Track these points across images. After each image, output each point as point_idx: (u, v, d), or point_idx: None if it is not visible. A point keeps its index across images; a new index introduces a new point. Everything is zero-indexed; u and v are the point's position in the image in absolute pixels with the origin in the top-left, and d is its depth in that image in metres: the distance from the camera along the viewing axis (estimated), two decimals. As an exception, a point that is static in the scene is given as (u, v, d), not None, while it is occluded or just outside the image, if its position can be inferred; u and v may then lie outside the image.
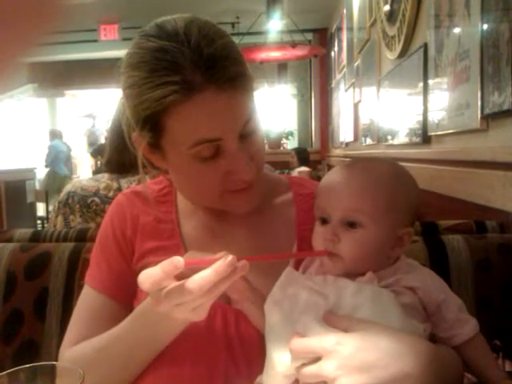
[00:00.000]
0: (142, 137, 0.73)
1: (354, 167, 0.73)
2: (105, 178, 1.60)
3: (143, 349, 0.74)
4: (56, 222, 1.56)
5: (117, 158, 1.50)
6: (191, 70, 0.65)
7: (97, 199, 1.54)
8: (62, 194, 1.59)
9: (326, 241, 0.68)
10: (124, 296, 0.82)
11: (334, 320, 0.62)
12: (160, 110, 0.67)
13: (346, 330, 0.60)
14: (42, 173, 8.11)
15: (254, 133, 0.74)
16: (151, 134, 0.72)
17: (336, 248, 0.67)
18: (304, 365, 0.60)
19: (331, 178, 0.74)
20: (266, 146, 7.52)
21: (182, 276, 0.60)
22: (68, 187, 1.61)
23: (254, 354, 0.71)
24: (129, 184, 1.52)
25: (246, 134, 0.72)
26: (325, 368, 0.57)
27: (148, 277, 0.60)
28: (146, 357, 0.74)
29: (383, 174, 0.71)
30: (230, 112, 0.69)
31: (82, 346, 0.78)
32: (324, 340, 0.59)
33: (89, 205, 1.53)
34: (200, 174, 0.73)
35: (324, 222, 0.70)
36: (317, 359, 0.59)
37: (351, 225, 0.67)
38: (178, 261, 0.59)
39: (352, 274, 0.67)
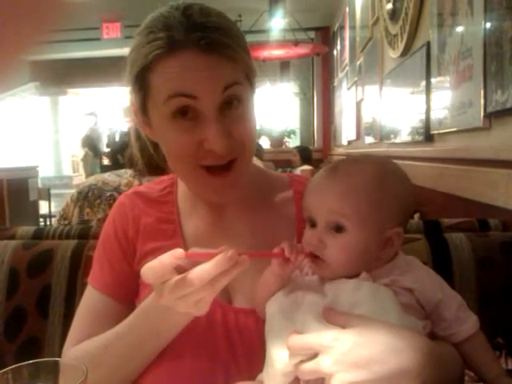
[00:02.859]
0: (135, 101, 0.77)
1: (337, 170, 0.71)
2: (127, 174, 1.59)
3: (146, 345, 0.74)
4: (73, 213, 1.55)
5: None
6: (178, 29, 0.70)
7: (116, 194, 1.53)
8: (83, 186, 1.58)
9: (312, 246, 0.68)
10: (126, 296, 0.82)
11: (332, 316, 0.62)
12: (146, 67, 0.71)
13: (343, 326, 0.60)
14: (44, 171, 8.20)
15: (238, 109, 0.74)
16: (140, 95, 0.75)
17: (322, 254, 0.67)
18: (302, 361, 0.60)
19: (316, 180, 0.72)
20: (268, 145, 7.53)
21: (184, 271, 0.62)
22: (90, 180, 1.61)
23: (255, 351, 0.72)
24: None
25: (226, 107, 0.72)
26: (322, 364, 0.57)
27: (150, 268, 0.62)
28: (150, 353, 0.74)
29: (367, 176, 0.68)
30: (207, 72, 0.70)
31: (85, 344, 0.78)
32: (321, 336, 0.59)
33: (107, 198, 1.52)
34: (176, 138, 0.74)
35: (312, 224, 0.70)
36: (315, 356, 0.59)
37: (337, 229, 0.67)
38: (178, 252, 0.61)
39: (345, 276, 0.67)
